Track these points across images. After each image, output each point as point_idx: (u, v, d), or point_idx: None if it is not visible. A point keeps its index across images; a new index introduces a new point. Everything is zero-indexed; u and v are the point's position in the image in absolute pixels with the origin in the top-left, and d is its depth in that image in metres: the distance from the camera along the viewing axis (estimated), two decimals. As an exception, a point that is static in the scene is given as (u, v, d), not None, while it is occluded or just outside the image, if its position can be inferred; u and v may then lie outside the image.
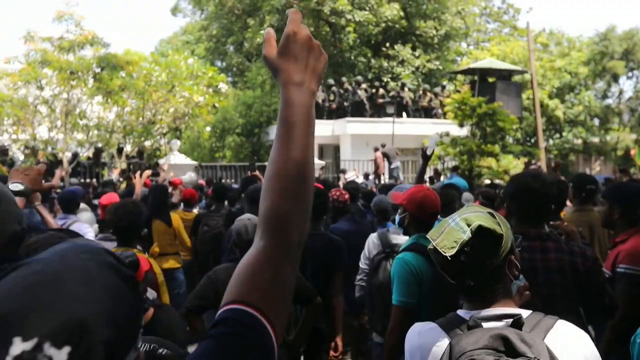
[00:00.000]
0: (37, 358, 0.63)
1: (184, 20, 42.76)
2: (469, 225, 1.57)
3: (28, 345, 0.63)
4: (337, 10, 23.98)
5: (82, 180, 15.02)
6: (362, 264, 4.08)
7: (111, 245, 3.87)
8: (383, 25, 25.06)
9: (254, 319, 0.86)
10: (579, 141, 28.42)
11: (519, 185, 2.52)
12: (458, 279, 1.60)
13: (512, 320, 1.47)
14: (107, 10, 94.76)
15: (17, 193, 2.19)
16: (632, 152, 27.93)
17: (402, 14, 25.16)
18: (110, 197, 5.43)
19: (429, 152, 4.54)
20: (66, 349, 0.64)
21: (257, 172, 6.50)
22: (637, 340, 1.46)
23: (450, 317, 1.64)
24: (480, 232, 1.55)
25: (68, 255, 0.73)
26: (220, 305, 0.89)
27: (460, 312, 1.64)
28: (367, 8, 24.55)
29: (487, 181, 13.51)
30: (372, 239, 4.08)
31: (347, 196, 5.04)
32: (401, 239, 3.56)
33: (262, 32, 25.00)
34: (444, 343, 1.50)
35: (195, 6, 31.92)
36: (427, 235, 1.68)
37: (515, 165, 16.57)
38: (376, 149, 17.89)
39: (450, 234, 1.58)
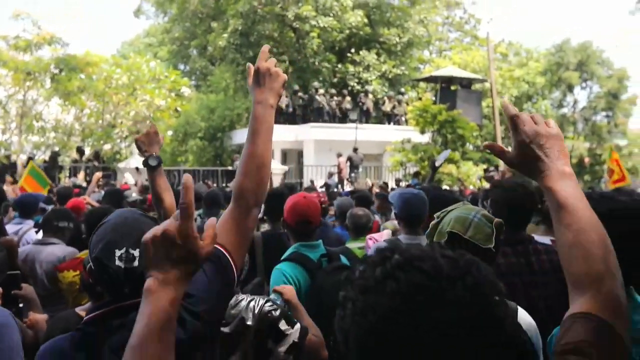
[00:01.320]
0: (129, 256, 1.39)
1: (147, 22, 42.10)
2: (490, 221, 1.69)
3: (123, 251, 1.39)
4: (301, 15, 24.04)
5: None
6: None
7: (54, 249, 3.73)
8: (347, 31, 25.25)
9: (223, 254, 1.47)
10: (536, 149, 29.18)
11: (507, 192, 2.61)
12: None
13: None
14: (69, 12, 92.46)
15: (154, 168, 2.34)
16: (586, 160, 28.88)
17: (366, 20, 25.41)
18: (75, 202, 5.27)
19: (437, 164, 4.51)
20: (138, 250, 1.39)
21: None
22: (552, 341, 1.50)
23: None
24: (500, 228, 1.68)
25: (124, 214, 1.50)
26: None
27: None
28: (332, 14, 24.69)
29: (446, 187, 13.72)
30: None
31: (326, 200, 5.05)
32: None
33: (224, 35, 24.88)
34: None
35: (159, 8, 31.49)
36: (452, 230, 1.68)
37: (475, 171, 16.90)
38: (339, 155, 18.00)
39: (479, 228, 1.66)
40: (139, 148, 2.45)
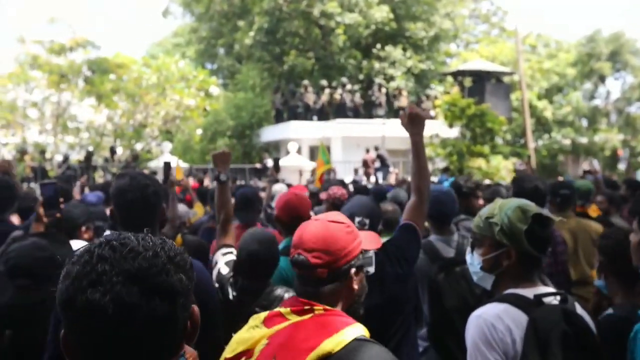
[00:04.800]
0: (363, 221, 2.55)
1: (175, 22, 42.61)
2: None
3: (359, 219, 2.56)
4: (327, 12, 24.07)
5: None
6: None
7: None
8: (373, 27, 25.18)
9: (414, 227, 2.45)
10: (568, 141, 28.69)
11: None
12: (542, 250, 1.82)
13: (560, 297, 1.76)
14: (99, 14, 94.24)
15: (223, 182, 2.87)
16: (620, 152, 28.23)
17: (391, 15, 25.29)
18: None
19: None
20: (368, 219, 2.55)
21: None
22: (638, 336, 1.56)
23: (513, 296, 1.79)
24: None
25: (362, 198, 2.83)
26: (402, 220, 2.51)
27: (517, 291, 1.80)
28: (357, 10, 24.66)
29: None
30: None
31: (344, 196, 5.00)
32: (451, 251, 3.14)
33: (251, 33, 25.09)
34: (524, 319, 1.69)
35: (186, 8, 31.90)
36: (526, 207, 1.81)
37: (504, 165, 16.72)
38: (368, 151, 17.98)
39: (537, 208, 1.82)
40: (214, 163, 2.95)
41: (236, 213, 4.65)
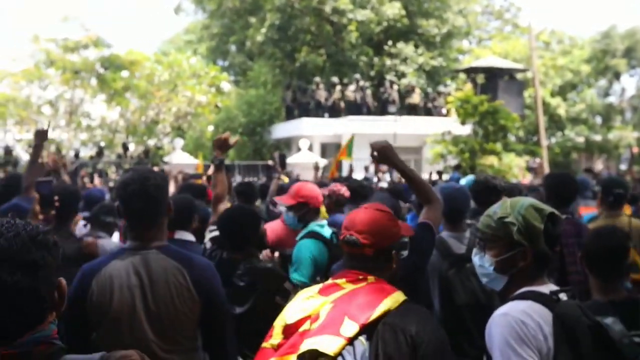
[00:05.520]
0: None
1: (186, 19, 42.77)
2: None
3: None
4: (339, 9, 24.01)
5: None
6: None
7: (103, 242, 3.84)
8: (385, 23, 25.09)
9: (430, 225, 2.45)
10: (581, 139, 28.41)
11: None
12: (553, 248, 1.82)
13: (568, 293, 1.79)
14: (111, 11, 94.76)
15: (218, 166, 3.10)
16: (635, 149, 27.91)
17: (403, 12, 25.17)
18: None
19: None
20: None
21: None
22: None
23: (532, 293, 1.78)
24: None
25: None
26: (420, 220, 2.50)
27: (533, 288, 1.79)
28: (369, 7, 24.58)
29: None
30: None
31: (347, 193, 4.98)
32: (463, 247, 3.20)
33: (262, 30, 25.10)
34: (549, 315, 1.71)
35: (198, 5, 31.98)
36: (539, 205, 1.81)
37: (517, 163, 16.61)
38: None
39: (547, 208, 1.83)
40: (214, 147, 3.17)
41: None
